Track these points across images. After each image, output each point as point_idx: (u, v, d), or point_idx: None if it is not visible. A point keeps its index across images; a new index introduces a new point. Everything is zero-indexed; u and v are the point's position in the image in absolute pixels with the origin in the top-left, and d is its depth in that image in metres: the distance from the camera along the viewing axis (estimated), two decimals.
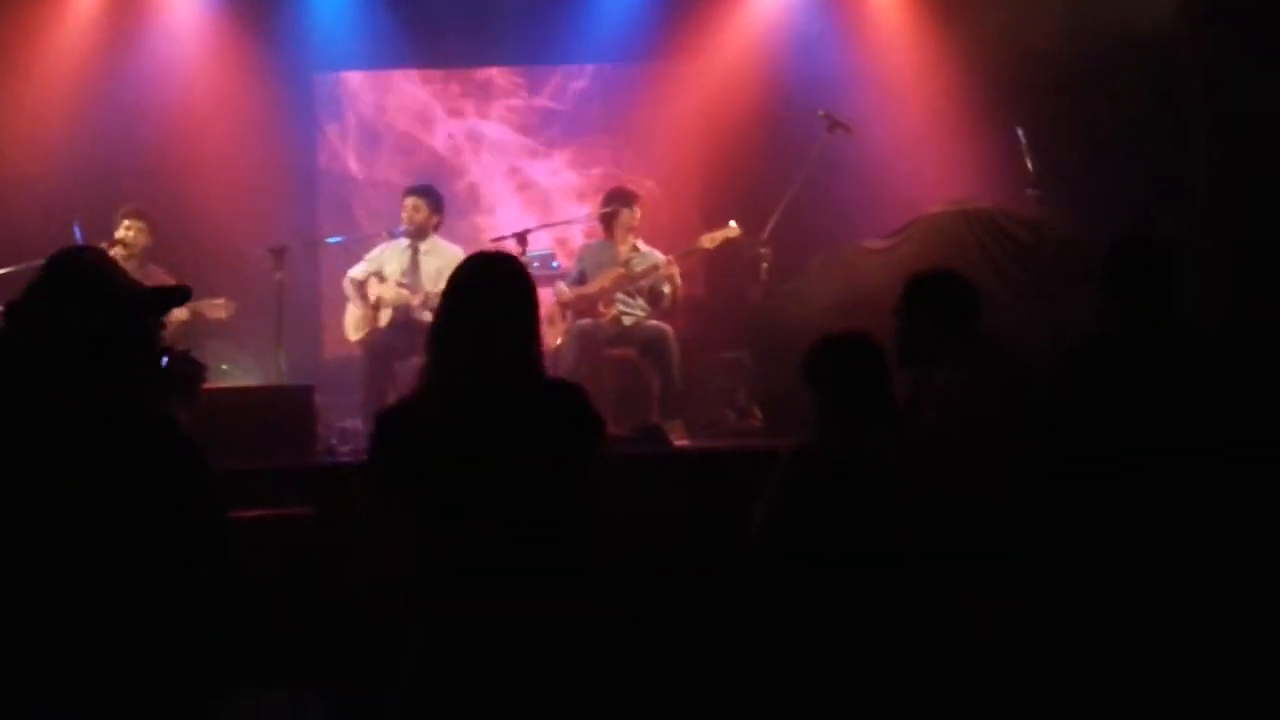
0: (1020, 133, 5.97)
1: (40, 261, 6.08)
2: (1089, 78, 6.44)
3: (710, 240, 6.19)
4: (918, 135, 6.85)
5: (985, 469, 2.98)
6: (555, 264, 6.96)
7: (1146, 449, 2.91)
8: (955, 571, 2.81)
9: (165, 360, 2.63)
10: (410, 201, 6.24)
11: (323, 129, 7.85)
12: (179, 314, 5.66)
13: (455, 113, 7.89)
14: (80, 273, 2.34)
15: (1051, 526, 3.01)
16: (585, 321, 6.07)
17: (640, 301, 6.19)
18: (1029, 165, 5.90)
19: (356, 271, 6.35)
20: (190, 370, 2.75)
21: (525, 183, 7.88)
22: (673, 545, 4.09)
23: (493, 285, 2.45)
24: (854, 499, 2.78)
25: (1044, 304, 5.12)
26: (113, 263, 2.49)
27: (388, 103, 7.88)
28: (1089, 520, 2.95)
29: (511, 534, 2.35)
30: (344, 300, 6.42)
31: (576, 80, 7.84)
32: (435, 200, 6.30)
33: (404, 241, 6.26)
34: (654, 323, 6.10)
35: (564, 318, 6.19)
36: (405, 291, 6.11)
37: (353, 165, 7.84)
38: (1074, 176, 6.02)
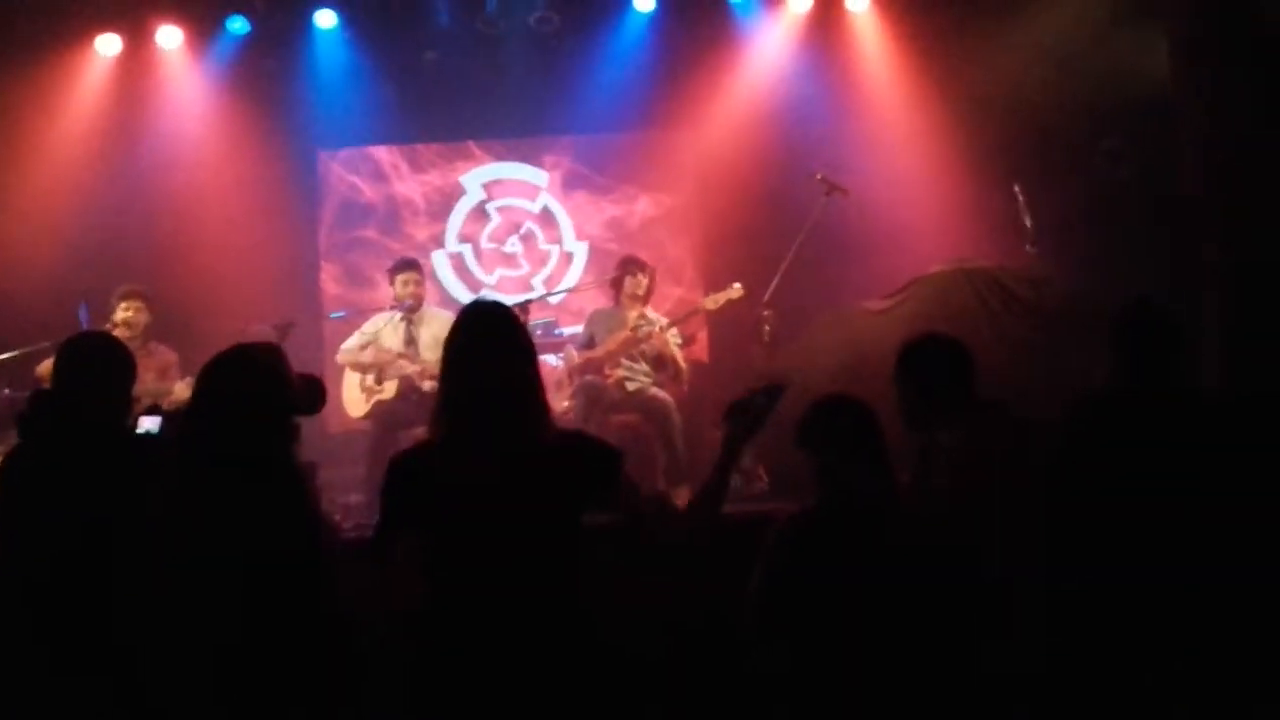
0: (1017, 190, 5.99)
1: (48, 344, 6.02)
2: (1086, 136, 6.50)
3: (713, 301, 6.19)
4: (916, 195, 6.89)
5: (989, 529, 2.96)
6: (557, 330, 6.96)
7: (1150, 502, 2.94)
8: (956, 633, 2.76)
9: None
10: (404, 277, 6.24)
11: (323, 205, 7.92)
12: (182, 391, 5.64)
13: (456, 186, 7.98)
14: (268, 366, 2.69)
15: (1062, 579, 3.01)
16: (592, 378, 6.05)
17: (644, 366, 6.16)
18: (1027, 223, 5.91)
19: (350, 344, 6.32)
20: None
21: (527, 252, 7.93)
22: (677, 612, 4.03)
23: (488, 324, 2.61)
24: (854, 562, 2.73)
25: (1046, 360, 5.10)
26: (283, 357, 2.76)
27: (382, 178, 7.96)
28: (1100, 572, 2.97)
29: (516, 571, 2.44)
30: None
31: (575, 149, 7.92)
32: (422, 273, 6.41)
33: (396, 315, 6.24)
34: (656, 391, 6.07)
35: (571, 382, 6.16)
36: (405, 362, 6.10)
37: (351, 239, 7.90)
38: (1073, 234, 6.04)
